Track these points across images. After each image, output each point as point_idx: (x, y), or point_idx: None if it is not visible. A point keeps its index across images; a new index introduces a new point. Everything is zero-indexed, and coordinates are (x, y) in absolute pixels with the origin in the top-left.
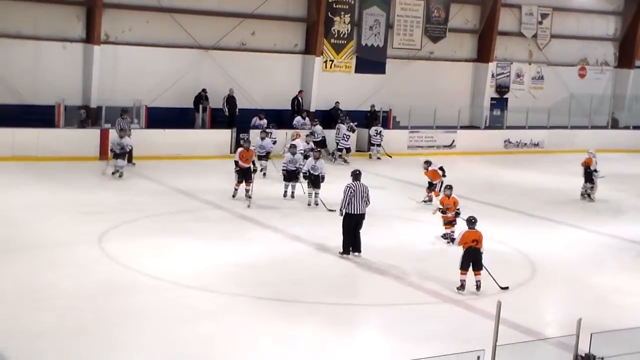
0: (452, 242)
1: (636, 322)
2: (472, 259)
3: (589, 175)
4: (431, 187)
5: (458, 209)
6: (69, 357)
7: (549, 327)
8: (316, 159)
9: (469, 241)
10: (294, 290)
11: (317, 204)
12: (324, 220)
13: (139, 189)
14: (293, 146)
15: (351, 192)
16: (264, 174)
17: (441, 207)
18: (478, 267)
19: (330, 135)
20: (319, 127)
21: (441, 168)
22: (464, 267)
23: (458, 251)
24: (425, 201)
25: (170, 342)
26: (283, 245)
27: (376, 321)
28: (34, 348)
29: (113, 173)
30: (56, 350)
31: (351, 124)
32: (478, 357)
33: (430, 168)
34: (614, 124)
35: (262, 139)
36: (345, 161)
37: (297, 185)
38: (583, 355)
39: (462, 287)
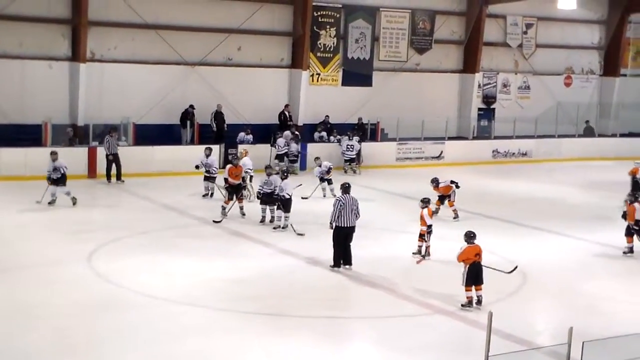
0: (421, 256)
1: (627, 330)
2: (475, 274)
3: (637, 184)
4: (442, 199)
5: (428, 225)
6: None
7: (541, 336)
8: (282, 178)
9: (471, 256)
10: (285, 304)
11: (284, 227)
12: (314, 234)
13: (128, 206)
14: (268, 166)
15: (341, 205)
16: (211, 195)
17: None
18: (479, 281)
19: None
20: (294, 146)
21: (452, 182)
22: (469, 284)
23: (448, 263)
24: (433, 213)
25: (161, 359)
26: (273, 259)
27: (368, 334)
28: None
29: (49, 203)
30: None
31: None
32: None
33: (441, 185)
34: (588, 133)
35: (207, 155)
36: (354, 172)
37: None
38: None
39: (469, 303)
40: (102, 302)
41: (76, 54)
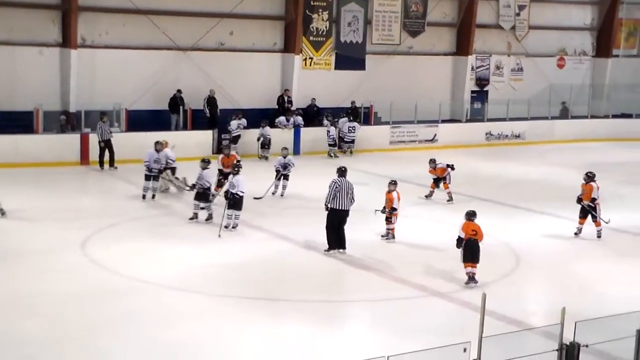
0: (388, 239)
1: (619, 309)
2: (471, 250)
3: None
4: (437, 182)
5: (393, 207)
6: None
7: (534, 316)
8: (234, 174)
9: (468, 232)
10: (280, 289)
11: (235, 227)
12: (309, 218)
13: (120, 192)
14: (203, 160)
15: (336, 187)
16: (153, 197)
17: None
18: (476, 259)
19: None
20: (267, 129)
21: (448, 165)
22: (466, 260)
23: (442, 245)
24: (427, 196)
25: (157, 345)
26: (268, 244)
27: (363, 317)
28: (19, 355)
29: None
30: (42, 357)
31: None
32: (465, 349)
33: (438, 166)
34: (564, 114)
35: (158, 150)
36: (351, 153)
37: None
38: (568, 343)
39: (471, 279)
40: (96, 289)
41: (67, 40)
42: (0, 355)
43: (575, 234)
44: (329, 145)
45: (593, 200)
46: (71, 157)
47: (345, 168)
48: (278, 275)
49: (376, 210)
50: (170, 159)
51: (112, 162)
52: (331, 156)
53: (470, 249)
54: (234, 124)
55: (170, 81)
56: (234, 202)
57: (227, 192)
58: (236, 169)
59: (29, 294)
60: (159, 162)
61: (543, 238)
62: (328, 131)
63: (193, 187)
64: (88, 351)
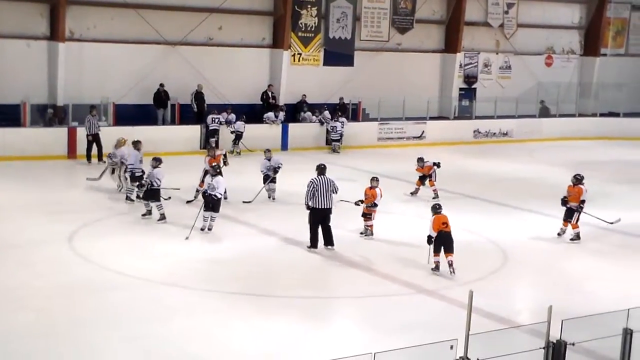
0: (367, 235)
1: (606, 308)
2: (443, 242)
3: None
4: (422, 179)
5: (375, 203)
6: (41, 357)
7: (521, 314)
8: (214, 175)
9: (439, 225)
10: (267, 285)
11: (210, 229)
12: (295, 214)
13: (107, 187)
14: (155, 159)
15: (314, 187)
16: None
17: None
18: (450, 249)
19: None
20: (239, 123)
21: (434, 163)
22: (437, 251)
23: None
24: (412, 193)
25: (144, 340)
26: (254, 240)
27: (350, 313)
28: (6, 348)
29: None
30: (29, 351)
31: (321, 116)
32: (451, 347)
33: (426, 165)
34: (543, 113)
35: (116, 147)
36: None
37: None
38: (554, 341)
39: (437, 267)
40: (84, 283)
41: (55, 33)
42: None
43: (559, 234)
44: (333, 140)
45: (582, 202)
46: (58, 150)
47: (324, 166)
48: (266, 271)
49: (341, 200)
50: (124, 158)
51: (100, 156)
52: (335, 151)
53: (443, 241)
54: (209, 118)
55: (159, 76)
56: (212, 204)
57: (205, 192)
58: (217, 169)
59: (15, 287)
60: (114, 156)
61: (530, 236)
62: (334, 127)
63: (141, 185)
64: (75, 345)
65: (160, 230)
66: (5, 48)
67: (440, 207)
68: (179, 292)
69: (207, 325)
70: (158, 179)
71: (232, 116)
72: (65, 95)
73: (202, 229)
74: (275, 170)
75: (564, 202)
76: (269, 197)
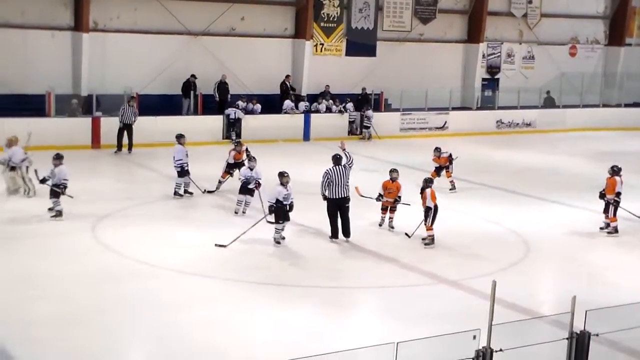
0: (391, 228)
1: (630, 299)
2: (436, 214)
3: None
4: (438, 170)
5: (399, 196)
6: (66, 345)
7: (544, 305)
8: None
9: (435, 198)
10: (290, 275)
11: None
12: (318, 204)
13: (131, 176)
14: (57, 157)
15: (328, 177)
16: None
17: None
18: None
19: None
20: (238, 111)
21: (450, 156)
22: (433, 224)
23: (449, 233)
24: None
25: (167, 329)
26: (274, 229)
27: (371, 303)
28: (30, 336)
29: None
30: (53, 339)
31: (342, 106)
32: (474, 337)
33: (442, 155)
34: (548, 104)
35: (9, 147)
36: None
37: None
38: (578, 332)
39: (432, 241)
40: (107, 272)
41: (79, 24)
42: (10, 335)
43: (601, 228)
44: (365, 127)
45: (618, 194)
46: (83, 140)
47: (340, 156)
48: (287, 261)
49: (362, 196)
50: (14, 158)
51: (130, 147)
52: (368, 139)
53: (436, 213)
54: (229, 110)
55: (181, 66)
56: (247, 189)
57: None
58: (248, 155)
59: (39, 276)
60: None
61: (553, 227)
62: (369, 116)
63: (43, 180)
64: (98, 333)
65: (184, 219)
66: (30, 39)
67: (432, 180)
68: (199, 281)
69: (228, 315)
70: (64, 179)
71: (258, 107)
72: (89, 86)
73: (235, 212)
74: (247, 182)
75: (602, 195)
76: (243, 212)
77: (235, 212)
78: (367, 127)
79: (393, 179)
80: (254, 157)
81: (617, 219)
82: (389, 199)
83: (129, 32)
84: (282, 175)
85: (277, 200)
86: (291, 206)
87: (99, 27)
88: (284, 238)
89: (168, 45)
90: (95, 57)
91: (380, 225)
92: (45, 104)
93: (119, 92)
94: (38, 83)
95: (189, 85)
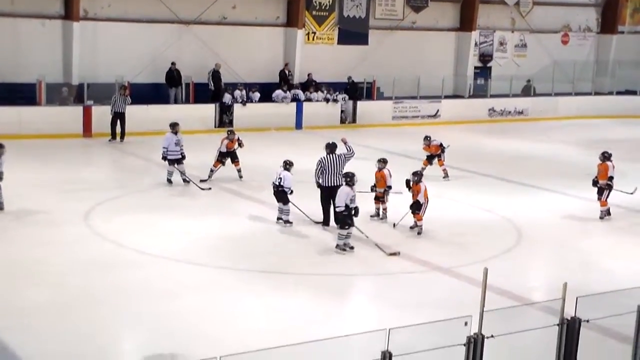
0: (381, 219)
1: (622, 285)
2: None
3: None
4: (430, 159)
5: (389, 185)
6: (57, 333)
7: (536, 292)
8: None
9: (419, 192)
10: (282, 262)
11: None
12: (308, 192)
13: (123, 165)
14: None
15: (322, 165)
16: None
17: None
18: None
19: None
20: (226, 94)
21: (441, 144)
22: (424, 214)
23: (440, 221)
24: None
25: (159, 317)
26: (268, 217)
27: (364, 290)
28: (23, 323)
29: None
30: (45, 327)
31: (334, 96)
32: (465, 323)
33: (432, 144)
34: (527, 92)
35: None
36: None
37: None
38: (569, 318)
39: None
40: (99, 261)
41: (69, 12)
42: (3, 323)
43: (601, 218)
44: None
45: (610, 179)
46: (74, 129)
47: (334, 143)
48: (278, 249)
49: (359, 192)
50: None
51: (122, 136)
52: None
53: (426, 205)
54: (226, 96)
55: (172, 55)
56: (279, 196)
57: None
58: (288, 165)
59: (31, 264)
60: None
61: (545, 214)
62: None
63: None
64: (91, 321)
65: (176, 208)
66: (20, 27)
67: (422, 175)
68: (193, 269)
69: (222, 303)
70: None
71: (257, 95)
72: (80, 74)
73: (277, 218)
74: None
75: (595, 182)
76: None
77: (277, 218)
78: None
79: (379, 169)
80: (291, 162)
81: (607, 203)
82: (379, 189)
83: (120, 21)
84: (348, 175)
85: (346, 205)
86: (357, 211)
87: (89, 16)
88: (352, 248)
89: (159, 34)
90: (86, 46)
91: (371, 216)
92: (36, 92)
93: (111, 81)
94: (28, 72)
95: (172, 74)
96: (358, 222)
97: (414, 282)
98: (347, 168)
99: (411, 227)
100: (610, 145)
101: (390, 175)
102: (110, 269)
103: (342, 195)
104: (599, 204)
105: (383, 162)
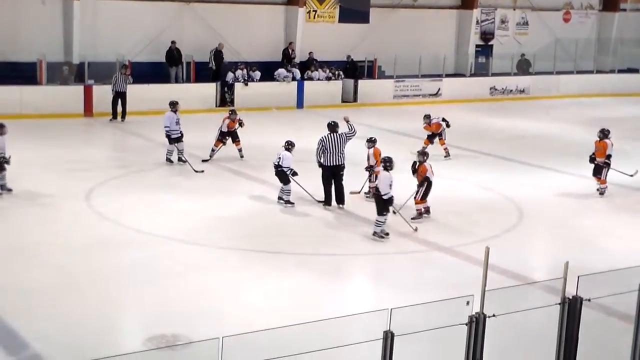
0: (367, 196)
1: (623, 264)
2: (429, 188)
3: None
4: (431, 138)
5: (371, 165)
6: (61, 313)
7: (537, 271)
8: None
9: (425, 172)
10: (283, 242)
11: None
12: (311, 173)
13: (124, 144)
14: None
15: (323, 145)
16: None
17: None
18: (427, 196)
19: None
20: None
21: (444, 119)
22: (424, 198)
23: (442, 200)
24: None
25: (161, 296)
26: (269, 197)
27: (365, 270)
28: (26, 304)
29: None
30: (48, 306)
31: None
32: (467, 303)
33: (433, 122)
34: (522, 67)
35: None
36: None
37: None
38: (570, 297)
39: (420, 215)
40: (102, 240)
41: None
42: (6, 303)
43: (599, 191)
44: None
45: (608, 157)
46: (75, 108)
47: (335, 123)
48: (280, 229)
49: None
50: None
51: (123, 115)
52: None
53: (429, 187)
54: (229, 75)
55: (173, 33)
56: (280, 177)
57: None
58: (289, 146)
59: (34, 244)
60: None
61: (546, 193)
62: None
63: None
64: (93, 302)
65: (178, 188)
66: (21, 6)
67: (427, 154)
68: (195, 249)
69: (223, 283)
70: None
71: (257, 74)
72: (80, 53)
73: (278, 198)
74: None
75: (592, 159)
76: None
77: (278, 198)
78: None
79: (372, 147)
80: (292, 143)
81: (606, 181)
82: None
83: None
84: (386, 160)
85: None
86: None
87: None
88: (387, 234)
89: (160, 12)
90: (87, 24)
91: (366, 194)
92: (36, 71)
93: (111, 60)
94: (29, 50)
95: (172, 53)
96: (358, 198)
97: (416, 262)
98: (348, 147)
99: (413, 218)
100: (613, 124)
101: (380, 154)
102: (113, 248)
103: (385, 181)
104: (595, 181)
105: (371, 141)
